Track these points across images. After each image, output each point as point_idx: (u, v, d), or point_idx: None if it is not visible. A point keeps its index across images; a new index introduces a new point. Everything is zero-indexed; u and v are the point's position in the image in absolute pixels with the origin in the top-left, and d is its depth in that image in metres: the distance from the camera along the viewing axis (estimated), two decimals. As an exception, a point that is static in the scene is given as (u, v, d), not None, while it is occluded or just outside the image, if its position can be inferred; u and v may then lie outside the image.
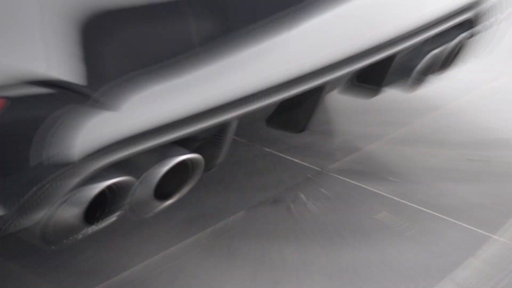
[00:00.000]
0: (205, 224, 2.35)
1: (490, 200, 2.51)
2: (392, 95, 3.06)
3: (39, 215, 1.65)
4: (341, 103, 3.15)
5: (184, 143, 1.86)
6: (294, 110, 2.20)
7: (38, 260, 2.18)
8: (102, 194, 1.69)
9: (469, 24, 2.50)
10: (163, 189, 1.84)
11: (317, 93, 2.09)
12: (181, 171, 1.85)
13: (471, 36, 2.52)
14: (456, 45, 2.48)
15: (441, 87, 3.27)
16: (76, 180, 1.62)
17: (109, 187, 1.69)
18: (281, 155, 2.76)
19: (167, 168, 1.77)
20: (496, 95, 3.30)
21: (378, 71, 2.36)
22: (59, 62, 1.54)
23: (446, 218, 2.39)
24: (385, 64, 2.27)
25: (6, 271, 2.14)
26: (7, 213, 1.64)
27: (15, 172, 1.63)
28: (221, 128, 1.91)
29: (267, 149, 2.80)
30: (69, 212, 1.69)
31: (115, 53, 1.62)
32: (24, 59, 1.52)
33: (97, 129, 1.61)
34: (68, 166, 1.59)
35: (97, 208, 1.75)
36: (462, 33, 2.46)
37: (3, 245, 2.23)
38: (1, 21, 1.48)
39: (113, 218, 1.77)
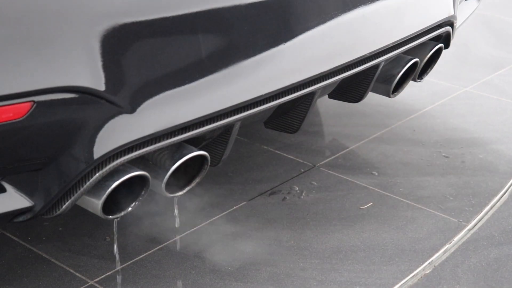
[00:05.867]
0: (212, 213, 2.40)
1: (463, 192, 2.55)
2: (375, 100, 3.14)
3: (63, 207, 1.72)
4: (331, 107, 3.15)
5: (193, 142, 1.92)
6: (289, 113, 2.25)
7: (59, 245, 2.23)
8: (119, 187, 1.74)
9: (443, 37, 2.53)
10: (174, 182, 1.90)
11: (309, 98, 2.16)
12: (190, 167, 1.92)
13: (445, 47, 2.55)
14: (432, 55, 2.52)
15: (419, 93, 3.28)
16: (97, 175, 1.69)
17: (125, 182, 1.74)
18: (278, 152, 2.78)
19: (178, 164, 1.81)
20: (468, 99, 3.27)
21: (364, 79, 2.37)
22: (84, 71, 1.60)
23: (424, 208, 2.45)
24: (370, 72, 2.32)
25: (31, 256, 2.17)
26: (34, 205, 1.73)
27: (42, 168, 1.71)
28: (226, 129, 1.97)
29: (266, 147, 2.82)
30: (89, 204, 1.77)
31: (133, 63, 1.68)
32: (51, 67, 1.57)
33: (116, 130, 1.67)
34: (89, 163, 1.67)
35: (115, 200, 1.80)
36: (437, 44, 2.49)
37: (26, 232, 2.27)
38: (34, 35, 1.55)
39: (129, 209, 1.82)
